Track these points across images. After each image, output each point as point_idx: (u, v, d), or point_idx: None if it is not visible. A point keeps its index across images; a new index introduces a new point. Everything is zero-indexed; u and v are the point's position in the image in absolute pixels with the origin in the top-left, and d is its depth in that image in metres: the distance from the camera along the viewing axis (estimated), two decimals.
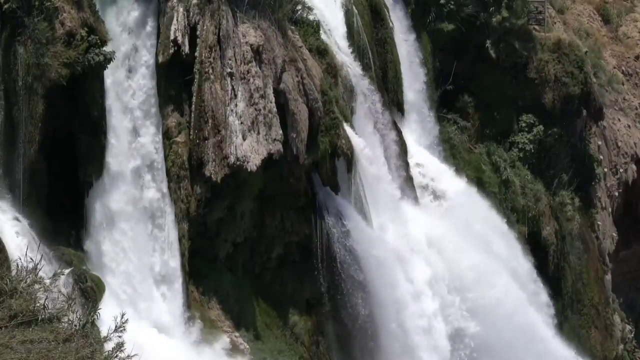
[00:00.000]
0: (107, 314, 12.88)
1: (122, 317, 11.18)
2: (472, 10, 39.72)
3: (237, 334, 28.93)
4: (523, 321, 36.11)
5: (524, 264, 38.83)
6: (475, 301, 34.84)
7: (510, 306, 35.82)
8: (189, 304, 27.79)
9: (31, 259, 12.46)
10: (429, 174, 37.48)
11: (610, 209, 45.35)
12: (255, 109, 28.49)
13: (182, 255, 27.78)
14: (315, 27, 32.32)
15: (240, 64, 28.51)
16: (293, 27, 31.04)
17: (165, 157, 27.85)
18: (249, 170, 28.12)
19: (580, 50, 42.38)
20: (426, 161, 37.67)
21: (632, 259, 48.15)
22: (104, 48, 25.47)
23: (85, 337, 11.43)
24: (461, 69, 39.96)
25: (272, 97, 28.88)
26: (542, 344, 36.72)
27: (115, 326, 10.98)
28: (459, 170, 38.85)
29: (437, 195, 37.25)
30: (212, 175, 27.88)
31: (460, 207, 37.16)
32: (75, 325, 11.69)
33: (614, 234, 45.49)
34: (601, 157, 44.34)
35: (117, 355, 10.90)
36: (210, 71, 28.05)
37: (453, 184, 37.98)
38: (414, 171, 36.46)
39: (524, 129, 41.17)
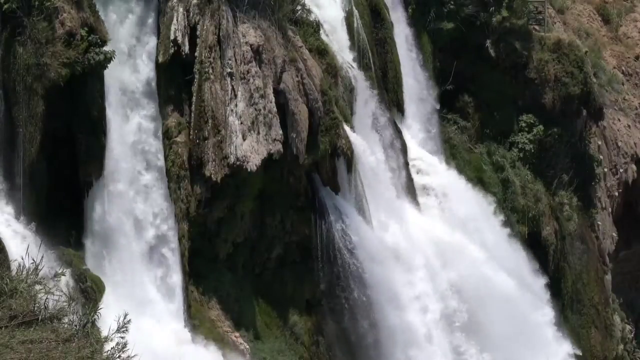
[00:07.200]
0: (107, 313, 12.85)
1: (124, 318, 11.15)
2: (472, 10, 39.71)
3: (237, 334, 28.91)
4: (518, 313, 36.21)
5: (523, 263, 38.90)
6: (474, 299, 34.86)
7: (507, 299, 35.91)
8: (189, 303, 27.76)
9: (33, 260, 12.43)
10: (428, 173, 37.45)
11: (610, 209, 45.32)
12: (255, 109, 28.47)
13: (182, 255, 27.76)
14: (315, 27, 32.30)
15: (240, 64, 28.49)
16: (293, 27, 31.02)
17: (165, 157, 27.82)
18: (249, 170, 28.10)
19: (580, 50, 42.33)
20: (426, 161, 37.64)
21: (632, 259, 48.12)
22: (104, 48, 25.45)
23: (85, 337, 11.41)
24: (461, 69, 39.91)
25: (272, 97, 28.86)
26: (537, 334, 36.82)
27: (118, 326, 10.95)
28: (458, 169, 38.81)
29: (436, 195, 37.22)
30: (212, 175, 27.86)
31: (459, 206, 37.16)
32: (76, 325, 11.67)
33: (614, 234, 45.46)
34: (601, 157, 44.30)
35: (118, 356, 10.87)
36: (210, 71, 28.03)
37: (452, 183, 37.95)
38: (414, 171, 36.45)
39: (524, 129, 41.14)
